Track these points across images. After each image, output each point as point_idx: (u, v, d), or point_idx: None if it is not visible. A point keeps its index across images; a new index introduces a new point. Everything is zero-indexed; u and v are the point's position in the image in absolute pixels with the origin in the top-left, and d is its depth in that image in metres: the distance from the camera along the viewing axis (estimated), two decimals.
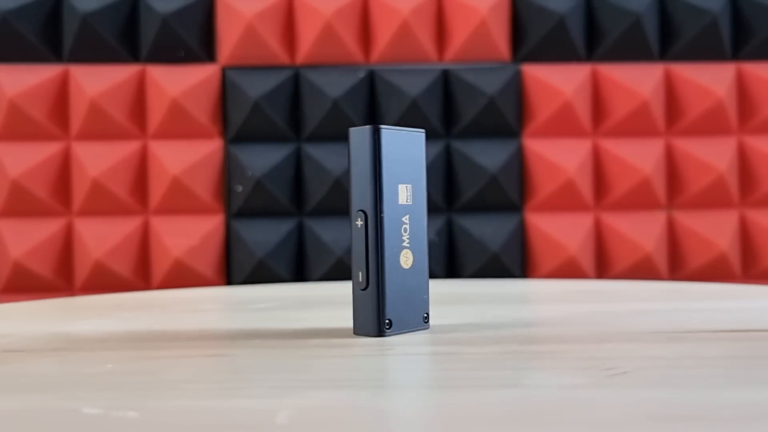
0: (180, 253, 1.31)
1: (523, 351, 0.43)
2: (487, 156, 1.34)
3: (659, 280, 1.28)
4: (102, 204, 1.31)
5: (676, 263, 1.36)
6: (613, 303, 0.68)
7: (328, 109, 1.33)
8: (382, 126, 0.48)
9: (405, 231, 0.49)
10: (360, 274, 0.47)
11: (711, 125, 1.36)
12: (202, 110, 1.33)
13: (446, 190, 1.35)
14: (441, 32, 1.38)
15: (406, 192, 0.49)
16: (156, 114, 1.33)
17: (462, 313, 0.62)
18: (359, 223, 0.47)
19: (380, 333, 0.48)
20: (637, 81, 1.35)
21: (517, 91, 1.36)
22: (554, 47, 1.37)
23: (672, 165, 1.37)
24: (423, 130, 0.50)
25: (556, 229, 1.34)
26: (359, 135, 0.48)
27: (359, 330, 0.48)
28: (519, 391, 0.33)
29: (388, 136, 0.48)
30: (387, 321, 0.48)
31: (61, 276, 1.31)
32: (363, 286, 0.47)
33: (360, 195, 0.47)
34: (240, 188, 1.32)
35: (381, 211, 0.47)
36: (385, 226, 0.47)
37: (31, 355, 0.45)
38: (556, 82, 1.35)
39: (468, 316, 0.59)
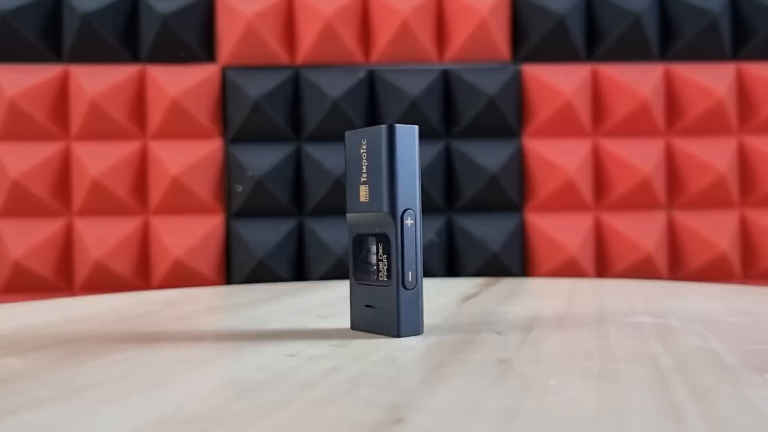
0: (180, 253, 1.31)
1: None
2: (487, 156, 1.34)
3: (659, 279, 1.28)
4: (102, 204, 1.31)
5: (676, 263, 1.36)
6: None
7: (328, 109, 1.33)
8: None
9: None
10: (410, 273, 0.47)
11: (711, 125, 1.36)
12: (202, 110, 1.33)
13: (446, 190, 1.35)
14: (441, 32, 1.38)
15: None
16: (156, 114, 1.33)
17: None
18: (409, 222, 0.47)
19: (420, 332, 0.48)
20: (637, 81, 1.35)
21: (517, 91, 1.36)
22: (554, 47, 1.37)
23: (672, 165, 1.37)
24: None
25: (556, 229, 1.34)
26: (402, 133, 0.47)
27: (405, 331, 0.47)
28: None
29: None
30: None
31: (61, 276, 1.31)
32: (413, 286, 0.47)
33: (406, 194, 0.47)
34: (240, 188, 1.32)
35: (422, 210, 0.48)
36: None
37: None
38: (556, 82, 1.35)
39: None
